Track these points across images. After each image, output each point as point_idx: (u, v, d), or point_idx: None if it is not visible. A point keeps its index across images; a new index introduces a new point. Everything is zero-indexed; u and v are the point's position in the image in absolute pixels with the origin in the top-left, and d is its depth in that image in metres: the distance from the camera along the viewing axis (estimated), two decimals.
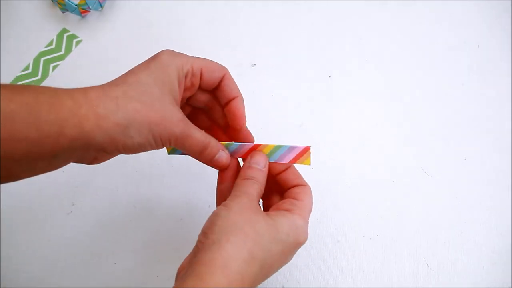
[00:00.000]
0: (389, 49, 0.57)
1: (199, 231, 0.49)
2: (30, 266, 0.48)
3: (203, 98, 0.41)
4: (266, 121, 0.54)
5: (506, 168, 0.50)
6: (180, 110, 0.36)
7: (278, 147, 0.40)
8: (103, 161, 0.38)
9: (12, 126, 0.30)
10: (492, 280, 0.45)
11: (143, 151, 0.37)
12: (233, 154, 0.41)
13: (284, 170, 0.39)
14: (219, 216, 0.34)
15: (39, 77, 0.58)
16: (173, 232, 0.49)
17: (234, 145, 0.41)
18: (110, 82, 0.36)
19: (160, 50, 0.38)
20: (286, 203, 0.37)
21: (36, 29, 0.60)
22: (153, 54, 0.38)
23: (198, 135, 0.37)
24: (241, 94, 0.41)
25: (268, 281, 0.47)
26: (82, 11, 0.58)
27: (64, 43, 0.60)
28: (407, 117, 0.53)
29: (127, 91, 0.35)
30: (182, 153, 0.41)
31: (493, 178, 0.50)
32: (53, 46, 0.60)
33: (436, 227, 0.48)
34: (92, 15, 0.61)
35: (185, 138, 0.37)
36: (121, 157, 0.52)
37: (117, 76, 0.56)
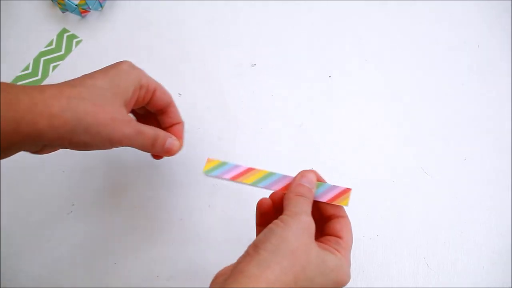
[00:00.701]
0: (389, 49, 0.57)
1: (199, 231, 0.49)
2: (30, 266, 0.48)
3: (147, 115, 0.46)
4: (266, 121, 0.54)
5: (506, 168, 0.50)
6: (129, 113, 0.40)
7: (320, 184, 0.40)
8: (48, 153, 0.41)
9: None
10: (492, 280, 0.45)
11: (93, 149, 0.38)
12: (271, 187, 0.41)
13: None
14: (274, 233, 0.34)
15: (39, 77, 0.58)
16: (173, 232, 0.49)
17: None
18: (68, 81, 0.38)
19: (123, 60, 0.41)
20: (331, 241, 0.38)
21: (36, 29, 0.60)
22: (114, 63, 0.41)
23: (148, 130, 0.40)
24: (182, 121, 0.46)
25: None
26: (82, 11, 0.58)
27: (64, 43, 0.60)
28: (407, 117, 0.53)
29: (81, 92, 0.37)
30: (218, 176, 0.43)
31: (493, 178, 0.50)
32: (53, 46, 0.60)
33: (436, 227, 0.48)
34: (92, 15, 0.61)
35: (138, 136, 0.39)
36: (121, 157, 0.52)
37: None
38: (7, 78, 0.57)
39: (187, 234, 0.49)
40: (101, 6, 0.60)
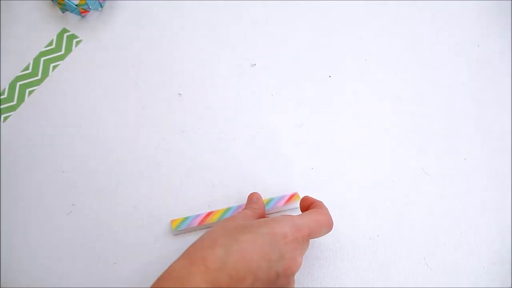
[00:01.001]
0: (389, 49, 0.57)
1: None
2: (30, 266, 0.48)
3: None
4: (266, 121, 0.54)
5: (506, 168, 0.50)
6: None
7: (270, 199, 0.48)
8: None
9: None
10: (492, 280, 0.45)
11: None
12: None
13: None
14: None
15: (39, 77, 0.58)
16: (173, 232, 0.49)
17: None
18: None
19: None
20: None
21: (36, 29, 0.60)
22: None
23: None
24: None
25: None
26: (82, 11, 0.58)
27: (64, 43, 0.60)
28: (407, 117, 0.53)
29: None
30: (186, 227, 0.48)
31: (493, 178, 0.50)
32: (53, 46, 0.60)
33: (436, 227, 0.48)
34: (92, 15, 0.61)
35: None
36: (121, 157, 0.52)
37: (116, 77, 0.57)
38: (7, 78, 0.57)
39: (187, 234, 0.49)
40: (101, 6, 0.60)
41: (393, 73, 0.55)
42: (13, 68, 0.58)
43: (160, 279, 0.36)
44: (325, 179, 0.51)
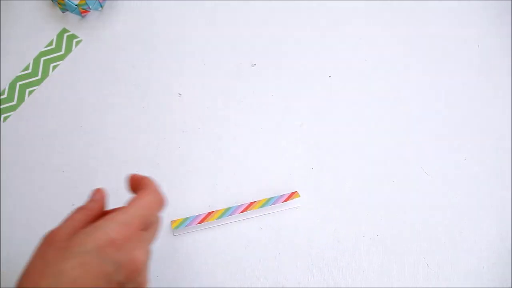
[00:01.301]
0: (389, 49, 0.57)
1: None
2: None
3: None
4: (266, 121, 0.54)
5: (506, 168, 0.50)
6: None
7: (267, 200, 0.48)
8: None
9: None
10: (492, 280, 0.45)
11: None
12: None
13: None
14: None
15: (39, 77, 0.58)
16: (173, 232, 0.49)
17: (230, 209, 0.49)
18: None
19: None
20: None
21: (36, 29, 0.60)
22: None
23: None
24: None
25: (268, 281, 0.47)
26: (82, 11, 0.58)
27: (64, 43, 0.60)
28: (407, 117, 0.53)
29: None
30: (187, 226, 0.48)
31: (493, 178, 0.50)
32: (53, 46, 0.60)
33: (436, 227, 0.48)
34: (92, 15, 0.61)
35: None
36: (121, 157, 0.52)
37: (116, 77, 0.57)
38: (7, 78, 0.57)
39: (186, 235, 0.49)
40: (101, 6, 0.60)
41: (393, 73, 0.55)
42: (13, 68, 0.58)
43: None
44: (325, 179, 0.51)
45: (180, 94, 0.56)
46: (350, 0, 0.59)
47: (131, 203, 0.36)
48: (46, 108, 0.56)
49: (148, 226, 0.36)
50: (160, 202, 0.37)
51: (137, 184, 0.39)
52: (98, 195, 0.39)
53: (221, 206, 0.50)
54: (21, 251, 0.49)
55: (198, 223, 0.48)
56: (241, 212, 0.48)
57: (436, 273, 0.46)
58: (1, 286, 0.47)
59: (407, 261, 0.47)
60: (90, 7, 0.58)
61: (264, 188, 0.50)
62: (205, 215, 0.48)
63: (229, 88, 0.56)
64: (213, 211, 0.49)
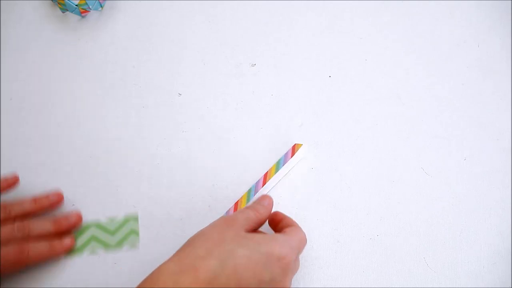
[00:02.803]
0: (389, 49, 0.57)
1: (199, 231, 0.49)
2: (30, 265, 0.48)
3: None
4: (266, 121, 0.54)
5: (506, 168, 0.50)
6: None
7: (277, 164, 0.50)
8: None
9: None
10: (492, 280, 0.45)
11: None
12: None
13: (279, 220, 0.44)
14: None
15: None
16: (173, 232, 0.49)
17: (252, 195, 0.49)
18: None
19: None
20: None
21: (36, 29, 0.60)
22: None
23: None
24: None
25: None
26: (82, 11, 0.58)
27: None
28: (407, 117, 0.53)
29: None
30: None
31: (493, 178, 0.50)
32: None
33: (436, 227, 0.48)
34: (92, 15, 0.61)
35: None
36: (121, 157, 0.52)
37: (116, 77, 0.57)
38: (7, 78, 0.57)
39: (186, 234, 0.49)
40: (101, 6, 0.60)
41: (393, 73, 0.55)
42: (13, 68, 0.58)
43: (147, 280, 0.36)
44: (325, 178, 0.51)
45: (180, 94, 0.56)
46: (351, 0, 0.59)
47: (293, 233, 0.41)
48: (46, 108, 0.56)
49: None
50: (306, 241, 0.42)
51: (279, 219, 0.44)
52: (268, 202, 0.45)
53: (220, 206, 0.50)
54: None
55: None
56: (263, 186, 0.49)
57: (436, 273, 0.46)
58: (1, 286, 0.47)
59: (407, 261, 0.46)
60: (90, 7, 0.58)
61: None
62: (233, 207, 0.49)
63: (229, 88, 0.56)
64: (237, 200, 0.49)
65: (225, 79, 0.56)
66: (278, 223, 0.44)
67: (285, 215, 0.44)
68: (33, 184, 0.52)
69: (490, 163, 0.50)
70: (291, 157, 0.50)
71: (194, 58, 0.57)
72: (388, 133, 0.52)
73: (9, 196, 0.50)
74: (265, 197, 0.45)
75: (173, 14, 0.60)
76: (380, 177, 0.50)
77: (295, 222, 0.44)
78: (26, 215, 0.47)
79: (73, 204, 0.51)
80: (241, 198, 0.49)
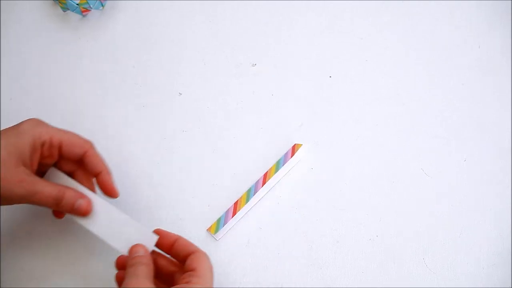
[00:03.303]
0: (389, 50, 0.57)
1: (199, 231, 0.49)
2: (30, 266, 0.48)
3: (68, 166, 0.45)
4: (266, 121, 0.54)
5: (506, 169, 0.50)
6: (26, 171, 0.41)
7: (277, 164, 0.50)
8: None
9: None
10: (491, 281, 0.45)
11: None
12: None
13: (172, 245, 0.43)
14: None
15: None
16: (172, 232, 0.49)
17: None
18: None
19: (28, 118, 0.42)
20: (185, 277, 0.39)
21: (37, 29, 0.60)
22: (19, 122, 0.42)
23: (48, 190, 0.41)
24: (106, 167, 0.45)
25: (268, 281, 0.47)
26: (83, 10, 0.58)
27: None
28: (407, 117, 0.53)
29: None
30: (225, 225, 0.49)
31: (493, 179, 0.50)
32: None
33: (435, 228, 0.48)
34: (93, 14, 0.61)
35: (32, 196, 0.41)
36: (121, 157, 0.52)
37: (116, 76, 0.57)
38: (7, 78, 0.57)
39: (187, 234, 0.49)
40: (102, 6, 0.60)
41: (393, 73, 0.55)
42: (13, 68, 0.58)
43: None
44: (325, 179, 0.51)
45: (181, 94, 0.56)
46: (351, 0, 0.59)
47: (200, 267, 0.40)
48: (46, 108, 0.56)
49: None
50: (212, 267, 0.42)
51: (187, 251, 0.42)
52: (143, 250, 0.42)
53: (220, 206, 0.50)
54: (22, 250, 0.49)
55: (232, 217, 0.48)
56: (262, 186, 0.49)
57: (435, 274, 0.46)
58: (1, 286, 0.47)
59: (406, 261, 0.47)
60: (91, 6, 0.58)
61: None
62: (233, 206, 0.49)
63: (229, 88, 0.56)
64: (237, 200, 0.49)
65: (225, 79, 0.56)
66: (184, 255, 0.42)
67: (177, 237, 0.43)
68: None
69: (490, 164, 0.50)
70: (291, 157, 0.50)
71: (194, 58, 0.57)
72: (388, 133, 0.52)
73: None
74: (138, 247, 0.42)
75: (174, 14, 0.60)
76: (380, 177, 0.50)
77: (195, 247, 0.42)
78: None
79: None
80: (241, 198, 0.49)
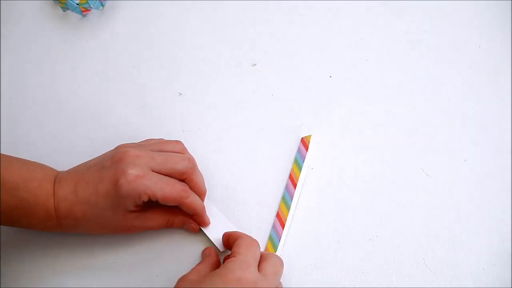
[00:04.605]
0: (389, 50, 0.57)
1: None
2: (30, 266, 0.48)
3: None
4: (267, 121, 0.54)
5: (506, 169, 0.50)
6: (133, 215, 0.44)
7: (296, 162, 0.51)
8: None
9: None
10: (491, 281, 0.45)
11: None
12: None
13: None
14: None
15: None
16: (173, 231, 0.49)
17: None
18: (77, 188, 0.44)
19: (125, 172, 0.42)
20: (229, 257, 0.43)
21: (37, 29, 0.60)
22: (113, 164, 0.44)
23: (157, 224, 0.46)
24: (201, 210, 0.47)
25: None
26: (83, 10, 0.58)
27: None
28: (407, 117, 0.53)
29: (86, 212, 0.43)
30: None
31: (493, 179, 0.50)
32: None
33: (435, 228, 0.48)
34: (93, 14, 0.61)
35: (147, 229, 0.47)
36: None
37: (116, 76, 0.57)
38: (7, 78, 0.57)
39: (187, 234, 0.49)
40: (102, 5, 0.60)
41: (393, 73, 0.55)
42: (13, 68, 0.58)
43: None
44: (325, 179, 0.51)
45: (181, 94, 0.56)
46: (351, 0, 0.59)
47: (241, 248, 0.42)
48: (46, 108, 0.56)
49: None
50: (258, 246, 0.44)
51: (229, 238, 0.45)
52: (210, 251, 0.46)
53: (220, 206, 0.50)
54: (21, 251, 0.49)
55: (283, 229, 0.48)
56: (295, 189, 0.49)
57: (435, 274, 0.46)
58: (2, 286, 0.47)
59: (406, 262, 0.46)
60: (91, 6, 0.59)
61: (264, 187, 0.50)
62: (275, 217, 0.49)
63: (229, 88, 0.56)
64: (277, 211, 0.49)
65: (226, 79, 0.56)
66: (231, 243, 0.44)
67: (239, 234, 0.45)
68: None
69: (491, 164, 0.50)
70: (307, 150, 0.50)
71: (194, 58, 0.57)
72: (388, 134, 0.52)
73: None
74: (208, 249, 0.47)
75: (174, 13, 0.60)
76: (380, 177, 0.50)
77: (238, 233, 0.46)
78: None
79: None
80: (280, 208, 0.49)
